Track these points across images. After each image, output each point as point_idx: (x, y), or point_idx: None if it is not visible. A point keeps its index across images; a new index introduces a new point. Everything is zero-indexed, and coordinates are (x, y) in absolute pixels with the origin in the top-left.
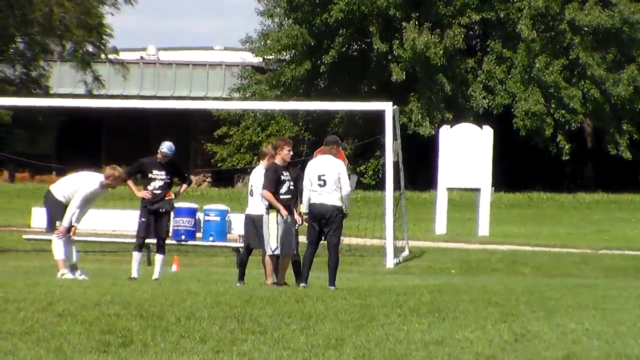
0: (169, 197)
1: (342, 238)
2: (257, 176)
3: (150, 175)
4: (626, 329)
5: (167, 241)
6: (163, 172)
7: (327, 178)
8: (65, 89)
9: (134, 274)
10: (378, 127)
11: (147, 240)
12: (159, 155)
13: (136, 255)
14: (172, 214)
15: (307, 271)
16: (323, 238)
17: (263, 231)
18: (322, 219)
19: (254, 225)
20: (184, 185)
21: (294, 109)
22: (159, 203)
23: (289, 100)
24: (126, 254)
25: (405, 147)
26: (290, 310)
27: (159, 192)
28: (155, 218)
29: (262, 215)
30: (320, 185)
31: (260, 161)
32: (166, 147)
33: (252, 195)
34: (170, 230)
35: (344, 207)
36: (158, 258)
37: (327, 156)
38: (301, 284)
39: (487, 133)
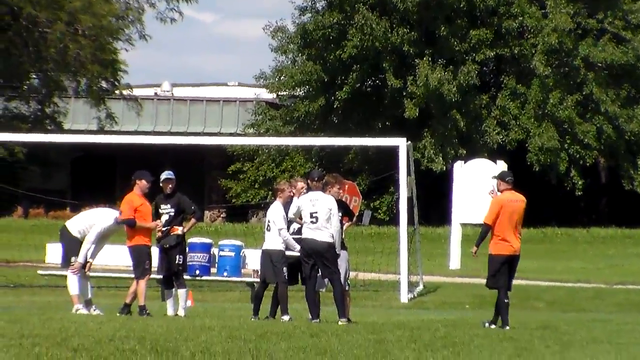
0: (174, 233)
1: (349, 272)
2: (274, 212)
3: (159, 210)
4: None
5: None
6: (169, 206)
7: (319, 215)
8: (79, 125)
9: (168, 311)
10: (392, 163)
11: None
12: (163, 187)
13: (164, 292)
14: (186, 248)
15: (314, 307)
16: (321, 274)
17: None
18: (315, 254)
19: (270, 260)
20: (193, 220)
21: (308, 145)
22: (164, 239)
23: (303, 136)
24: None
25: (418, 182)
26: (305, 345)
27: (166, 227)
28: (164, 254)
29: (279, 250)
30: (312, 222)
31: (276, 197)
32: (165, 174)
33: (269, 231)
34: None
35: (335, 243)
36: (180, 293)
37: (318, 193)
38: (313, 320)
39: (501, 168)
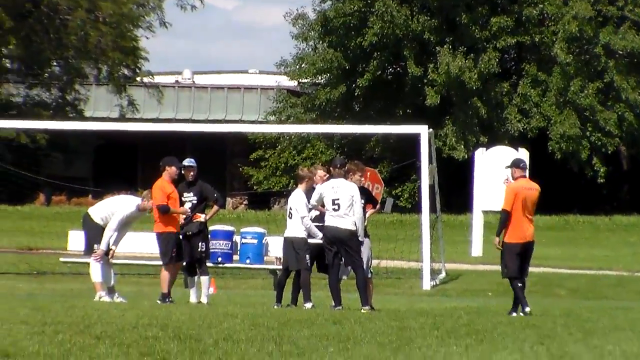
0: (196, 220)
1: (371, 260)
2: (296, 199)
3: (182, 199)
4: None
5: None
6: (191, 194)
7: (341, 202)
8: (101, 112)
9: (191, 298)
10: (413, 151)
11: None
12: (185, 174)
13: (187, 279)
14: (208, 235)
15: (337, 294)
16: (344, 261)
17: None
18: (337, 242)
19: (293, 247)
20: (215, 207)
21: (329, 132)
22: (187, 226)
23: (324, 124)
24: None
25: (440, 170)
26: (327, 332)
27: (188, 214)
28: (187, 241)
29: (301, 237)
30: (334, 210)
31: (298, 184)
32: (186, 161)
33: (290, 218)
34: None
35: (358, 231)
36: (202, 281)
37: (340, 180)
38: (336, 307)
39: (523, 155)
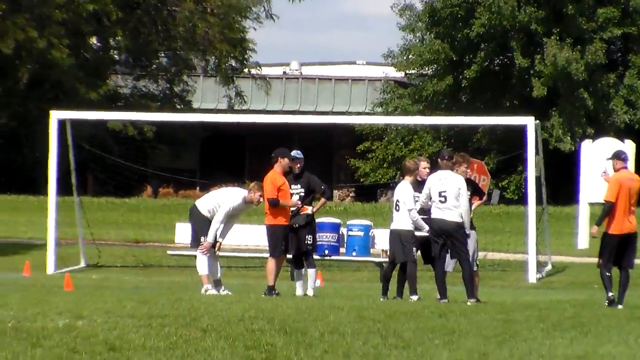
0: (303, 212)
1: (477, 252)
2: (403, 191)
3: (290, 191)
4: None
5: None
6: (299, 186)
7: (448, 194)
8: (208, 104)
9: (297, 291)
10: (520, 142)
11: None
12: (292, 166)
13: (293, 272)
14: (315, 227)
15: (443, 287)
16: (450, 254)
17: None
18: (444, 234)
19: (399, 240)
20: (322, 199)
21: (436, 124)
22: (294, 218)
23: (431, 115)
24: None
25: (547, 162)
26: (433, 325)
27: (298, 206)
28: (294, 233)
29: (408, 230)
30: (441, 202)
31: (404, 176)
32: (293, 152)
33: (397, 210)
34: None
35: (464, 223)
36: (309, 273)
37: (447, 172)
38: (442, 300)
39: (628, 147)
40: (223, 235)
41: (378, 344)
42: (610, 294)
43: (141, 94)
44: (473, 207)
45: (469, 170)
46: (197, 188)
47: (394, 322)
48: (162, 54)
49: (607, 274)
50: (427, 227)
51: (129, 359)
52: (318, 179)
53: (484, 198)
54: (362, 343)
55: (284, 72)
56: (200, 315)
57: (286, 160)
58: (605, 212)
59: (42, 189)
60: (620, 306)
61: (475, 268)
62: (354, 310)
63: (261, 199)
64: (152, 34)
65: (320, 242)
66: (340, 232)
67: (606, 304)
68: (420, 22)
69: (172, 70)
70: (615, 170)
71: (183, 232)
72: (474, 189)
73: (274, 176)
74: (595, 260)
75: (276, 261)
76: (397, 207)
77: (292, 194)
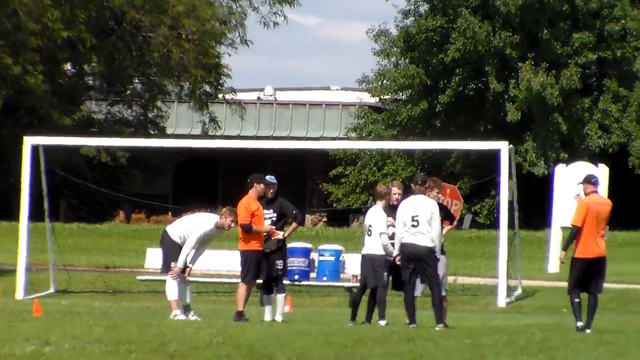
0: (275, 237)
1: (446, 277)
2: (375, 216)
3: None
4: None
5: None
6: (271, 211)
7: (420, 219)
8: (182, 129)
9: (265, 316)
10: (493, 167)
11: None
12: (266, 191)
13: (262, 297)
14: (286, 252)
15: (412, 311)
16: (419, 279)
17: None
18: (415, 259)
19: (372, 265)
20: (294, 224)
21: (410, 148)
22: (266, 243)
23: (405, 140)
24: None
25: (520, 186)
26: (401, 350)
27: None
28: (265, 259)
29: (380, 254)
30: (413, 226)
31: (376, 201)
32: (268, 177)
33: (369, 235)
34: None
35: (436, 248)
36: (278, 298)
37: (420, 196)
38: (411, 325)
39: (602, 171)
40: (193, 260)
41: None
42: (579, 323)
43: (115, 120)
44: (444, 232)
45: (440, 195)
46: (170, 213)
47: (361, 348)
48: (137, 80)
49: (577, 300)
50: (395, 253)
51: None
52: (290, 204)
53: (455, 223)
54: None
55: (258, 98)
56: (167, 340)
57: (262, 185)
58: (572, 236)
59: (14, 215)
60: (588, 330)
61: (444, 293)
62: (321, 335)
63: (232, 225)
64: (127, 60)
65: (290, 267)
66: (311, 257)
67: (575, 330)
68: (395, 47)
69: (146, 95)
70: (586, 194)
71: (153, 257)
72: (446, 214)
73: (248, 202)
74: (565, 284)
75: (247, 286)
76: (370, 232)
77: (265, 219)
